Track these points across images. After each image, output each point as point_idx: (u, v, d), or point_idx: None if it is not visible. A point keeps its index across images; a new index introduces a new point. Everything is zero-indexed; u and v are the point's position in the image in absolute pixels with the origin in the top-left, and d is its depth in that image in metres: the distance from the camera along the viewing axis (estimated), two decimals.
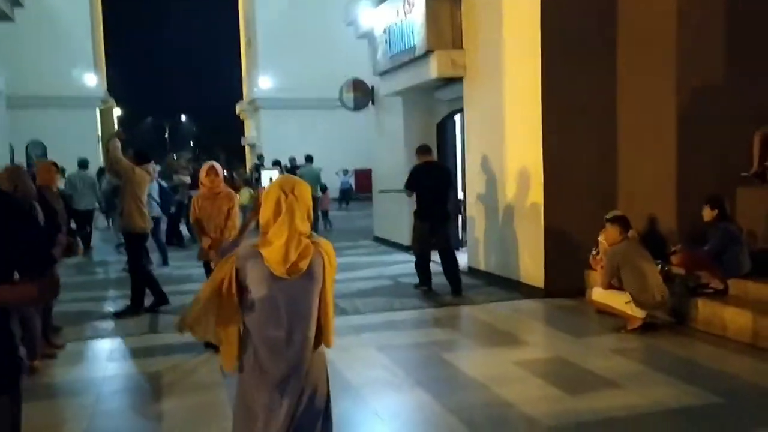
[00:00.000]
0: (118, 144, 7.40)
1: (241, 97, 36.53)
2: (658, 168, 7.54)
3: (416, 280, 8.35)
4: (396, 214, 12.14)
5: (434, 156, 8.26)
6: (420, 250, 8.18)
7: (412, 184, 8.06)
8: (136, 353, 5.95)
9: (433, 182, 7.93)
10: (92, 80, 27.96)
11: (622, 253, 6.02)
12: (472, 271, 9.29)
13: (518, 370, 5.10)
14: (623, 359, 5.28)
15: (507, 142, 8.27)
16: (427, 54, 9.42)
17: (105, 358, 5.85)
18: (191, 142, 69.20)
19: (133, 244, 7.35)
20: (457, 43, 9.25)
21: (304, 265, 2.38)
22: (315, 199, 15.97)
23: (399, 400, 4.66)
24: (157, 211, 10.30)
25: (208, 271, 5.99)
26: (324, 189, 16.15)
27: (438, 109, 11.50)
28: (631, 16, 7.56)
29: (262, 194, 2.51)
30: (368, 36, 12.29)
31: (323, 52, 25.80)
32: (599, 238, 6.73)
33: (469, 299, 7.72)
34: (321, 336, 2.51)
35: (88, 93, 27.72)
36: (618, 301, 5.95)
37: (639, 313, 5.87)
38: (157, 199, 10.55)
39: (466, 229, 10.18)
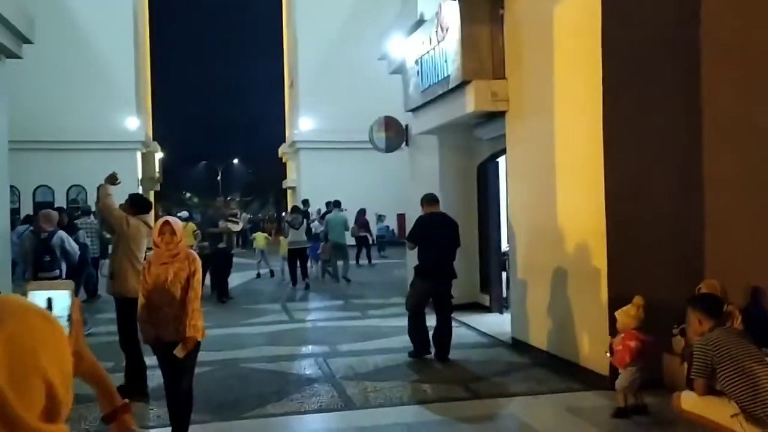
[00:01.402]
0: (110, 190, 6.16)
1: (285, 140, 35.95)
2: (762, 224, 5.81)
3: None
4: None
5: (440, 206, 7.53)
6: (414, 308, 7.32)
7: (416, 236, 7.29)
8: None
9: (439, 236, 7.13)
10: (134, 124, 27.69)
11: (716, 347, 4.30)
12: (517, 344, 7.64)
13: None
14: None
15: (559, 190, 6.71)
16: (462, 85, 7.99)
17: None
18: (243, 185, 69.57)
19: (128, 311, 5.69)
20: (498, 72, 7.81)
21: None
22: (342, 246, 14.78)
23: None
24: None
25: (164, 360, 4.58)
26: (326, 238, 14.75)
27: (478, 149, 10.03)
28: (723, 29, 5.95)
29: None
30: (401, 70, 11.01)
31: (363, 93, 24.77)
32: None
33: (509, 387, 6.08)
34: None
35: (129, 137, 27.46)
36: (720, 413, 4.23)
37: None
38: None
39: (510, 290, 8.55)
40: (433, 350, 7.24)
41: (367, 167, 25.54)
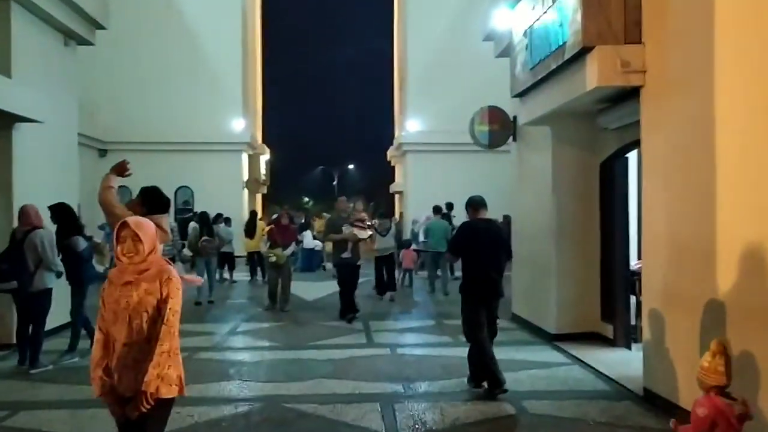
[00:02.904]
0: (113, 182, 4.92)
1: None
2: None
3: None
4: (540, 284, 8.77)
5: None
6: (473, 336, 6.25)
7: (458, 246, 6.42)
8: None
9: (485, 247, 6.21)
10: (240, 125, 27.44)
11: None
12: (651, 397, 5.70)
13: None
14: None
15: (720, 193, 4.74)
16: (582, 53, 6.14)
17: None
18: (357, 190, 69.65)
19: None
20: (631, 35, 5.89)
21: None
22: (440, 256, 13.20)
23: None
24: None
25: (122, 423, 3.18)
26: (407, 245, 14.10)
27: (602, 142, 8.08)
28: None
29: None
30: (509, 51, 9.25)
31: (474, 93, 22.95)
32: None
33: None
34: None
35: (235, 138, 27.20)
36: None
37: None
38: None
39: (642, 323, 6.56)
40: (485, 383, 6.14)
41: (478, 169, 23.74)
